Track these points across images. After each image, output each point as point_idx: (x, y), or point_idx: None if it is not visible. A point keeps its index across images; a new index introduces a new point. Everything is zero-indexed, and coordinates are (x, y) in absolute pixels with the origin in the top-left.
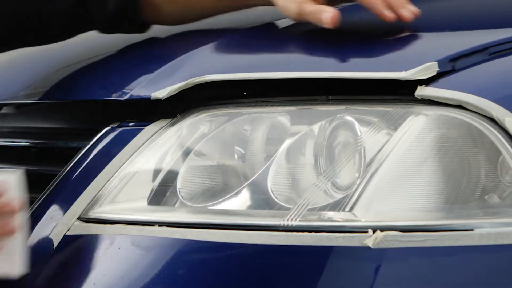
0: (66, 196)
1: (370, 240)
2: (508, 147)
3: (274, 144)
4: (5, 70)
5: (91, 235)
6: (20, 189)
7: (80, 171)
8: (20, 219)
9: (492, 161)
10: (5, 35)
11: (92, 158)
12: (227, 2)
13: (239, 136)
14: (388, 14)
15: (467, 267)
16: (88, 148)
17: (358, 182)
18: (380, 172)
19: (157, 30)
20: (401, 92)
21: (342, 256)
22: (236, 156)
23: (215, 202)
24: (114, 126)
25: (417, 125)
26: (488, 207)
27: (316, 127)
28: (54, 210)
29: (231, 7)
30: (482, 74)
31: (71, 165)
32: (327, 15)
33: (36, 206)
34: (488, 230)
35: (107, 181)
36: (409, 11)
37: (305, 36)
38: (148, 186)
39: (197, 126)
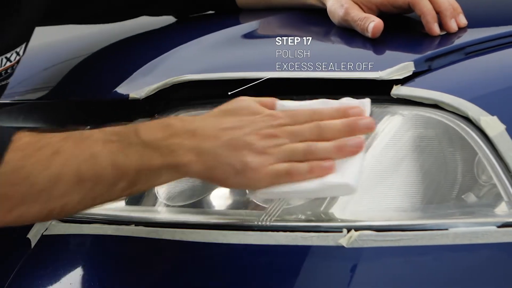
0: None
1: (345, 240)
2: (483, 146)
3: None
4: None
5: (68, 235)
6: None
7: None
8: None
9: (468, 160)
10: (56, 9)
11: None
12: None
13: None
14: (435, 29)
15: (442, 266)
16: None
17: None
18: None
19: (136, 28)
20: (377, 92)
21: (317, 256)
22: None
23: (192, 202)
24: (92, 125)
25: (393, 125)
26: (465, 207)
27: None
28: None
29: (288, 3)
30: (458, 74)
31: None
32: (372, 25)
33: None
34: (462, 229)
35: None
36: (456, 24)
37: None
38: None
39: None
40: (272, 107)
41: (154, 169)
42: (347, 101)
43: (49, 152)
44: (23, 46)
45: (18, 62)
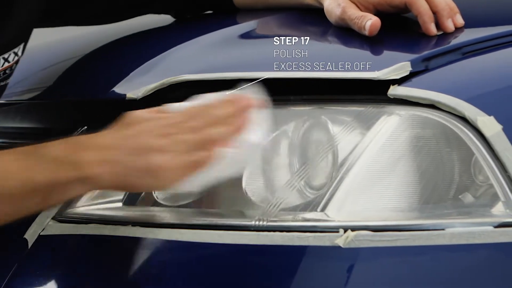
0: None
1: (341, 240)
2: (480, 146)
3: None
4: None
5: (65, 235)
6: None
7: None
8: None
9: (465, 160)
10: (55, 10)
11: None
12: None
13: None
14: (432, 29)
15: (439, 266)
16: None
17: (330, 182)
18: (353, 172)
19: (133, 28)
20: (374, 92)
21: (314, 256)
22: None
23: (189, 202)
24: (90, 125)
25: (390, 125)
26: (462, 207)
27: (290, 127)
28: None
29: (286, 3)
30: (455, 74)
31: None
32: (369, 23)
33: None
34: (459, 229)
35: None
36: (452, 24)
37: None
38: None
39: None
40: (162, 112)
41: (65, 184)
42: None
43: None
44: (21, 46)
45: (17, 62)
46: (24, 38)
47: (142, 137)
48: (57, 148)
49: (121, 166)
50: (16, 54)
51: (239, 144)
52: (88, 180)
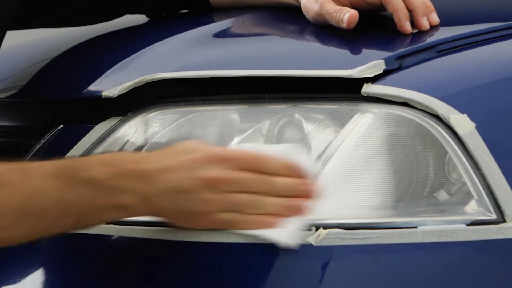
0: None
1: (313, 238)
2: (454, 145)
3: (224, 142)
4: None
5: None
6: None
7: None
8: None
9: (439, 158)
10: (31, 13)
11: (42, 157)
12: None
13: (190, 134)
14: (407, 27)
15: (410, 264)
16: (39, 147)
17: None
18: (326, 170)
19: (111, 27)
20: (348, 90)
21: (286, 254)
22: None
23: None
24: (65, 124)
25: (364, 123)
26: (436, 205)
27: (265, 125)
28: None
29: (264, 3)
30: (429, 72)
31: None
32: (347, 15)
33: None
34: (431, 227)
35: None
36: (428, 22)
37: (256, 35)
38: None
39: (148, 124)
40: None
41: (98, 209)
42: (289, 150)
43: None
44: None
45: None
46: None
47: (188, 175)
48: (94, 170)
49: (156, 201)
50: None
51: (274, 234)
52: (126, 208)
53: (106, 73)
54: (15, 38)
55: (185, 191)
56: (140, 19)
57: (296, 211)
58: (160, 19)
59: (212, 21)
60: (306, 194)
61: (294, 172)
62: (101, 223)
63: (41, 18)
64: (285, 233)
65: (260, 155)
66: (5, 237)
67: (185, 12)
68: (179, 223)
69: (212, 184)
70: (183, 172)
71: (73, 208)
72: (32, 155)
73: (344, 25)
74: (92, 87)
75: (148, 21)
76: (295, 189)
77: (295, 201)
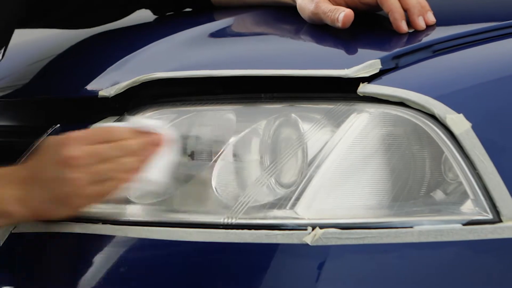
0: None
1: (309, 238)
2: (450, 144)
3: (221, 142)
4: None
5: (36, 233)
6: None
7: None
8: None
9: (436, 158)
10: (37, 13)
11: None
12: None
13: (186, 133)
14: (403, 27)
15: (406, 264)
16: (36, 147)
17: (300, 179)
18: (323, 170)
19: (107, 26)
20: (345, 90)
21: (282, 254)
22: (182, 154)
23: (160, 200)
24: (62, 123)
25: (360, 123)
26: (433, 204)
27: (261, 125)
28: None
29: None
30: (425, 71)
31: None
32: (342, 14)
33: None
34: (427, 227)
35: None
36: (424, 22)
37: (252, 35)
38: None
39: None
40: (78, 137)
41: None
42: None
43: None
44: (2, 50)
45: None
46: (5, 42)
47: (53, 168)
48: None
49: (33, 200)
50: None
51: (142, 180)
52: (6, 215)
53: (102, 73)
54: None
55: (51, 178)
56: (137, 19)
57: (149, 160)
58: (158, 18)
59: (208, 21)
60: (155, 145)
61: (140, 134)
62: None
63: (43, 18)
64: (154, 173)
65: (109, 127)
66: None
67: (182, 12)
68: (57, 214)
69: (72, 162)
70: (46, 163)
71: None
72: (28, 155)
73: (339, 24)
74: (89, 87)
75: (145, 21)
76: (143, 144)
77: (148, 151)
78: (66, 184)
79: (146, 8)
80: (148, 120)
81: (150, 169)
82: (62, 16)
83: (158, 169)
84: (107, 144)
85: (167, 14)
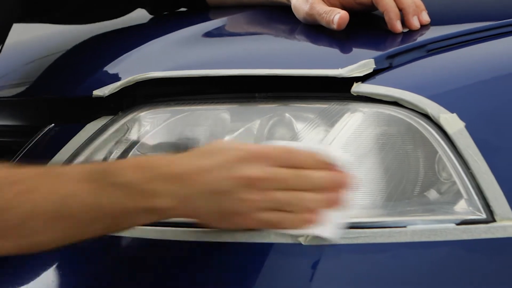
0: None
1: (302, 237)
2: (443, 144)
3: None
4: None
5: None
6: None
7: None
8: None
9: (429, 158)
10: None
11: (34, 156)
12: None
13: (181, 133)
14: (397, 26)
15: (400, 263)
16: (30, 146)
17: None
18: None
19: (103, 26)
20: (338, 89)
21: (276, 253)
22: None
23: None
24: (56, 123)
25: (354, 122)
26: (427, 204)
27: (255, 124)
28: None
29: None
30: (419, 71)
31: (13, 163)
32: (338, 16)
33: None
34: (421, 227)
35: None
36: (418, 22)
37: (246, 34)
38: None
39: (140, 123)
40: (252, 150)
41: (132, 213)
42: (324, 149)
43: (23, 188)
44: (0, 48)
45: None
46: (2, 38)
47: (223, 176)
48: (128, 173)
49: (194, 204)
50: None
51: (320, 226)
52: (159, 212)
53: (96, 73)
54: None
55: (223, 191)
56: (131, 19)
57: (335, 204)
58: (153, 18)
59: (202, 21)
60: (342, 187)
61: (327, 166)
62: (133, 226)
63: (41, 15)
64: (327, 227)
65: (294, 150)
66: (38, 241)
67: (177, 12)
68: (216, 225)
69: (250, 183)
70: (219, 172)
71: (106, 213)
72: (22, 155)
73: (334, 26)
74: (83, 87)
75: (139, 20)
76: (331, 182)
77: (334, 194)
78: (238, 202)
79: (143, 7)
80: (337, 151)
81: (331, 215)
82: (60, 14)
83: (336, 222)
84: (293, 170)
85: (162, 14)
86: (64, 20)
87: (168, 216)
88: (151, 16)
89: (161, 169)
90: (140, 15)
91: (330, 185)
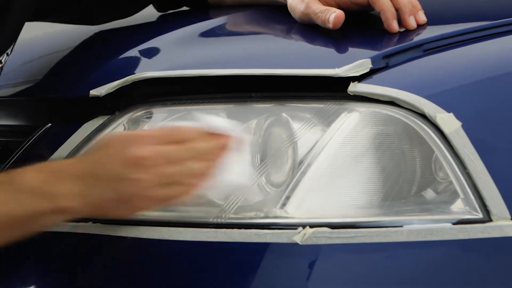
0: None
1: (299, 237)
2: (440, 143)
3: None
4: None
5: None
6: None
7: None
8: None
9: (426, 157)
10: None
11: (31, 155)
12: None
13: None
14: (394, 26)
15: (396, 263)
16: (28, 146)
17: (290, 179)
18: (313, 169)
19: (101, 26)
20: (335, 89)
21: (272, 253)
22: None
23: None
24: (53, 123)
25: (350, 122)
26: (423, 203)
27: (252, 124)
28: None
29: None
30: (416, 71)
31: (10, 163)
32: (333, 15)
33: None
34: (417, 226)
35: None
36: (415, 22)
37: (243, 34)
38: None
39: (136, 123)
40: (141, 135)
41: (40, 215)
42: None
43: None
44: (12, 46)
45: (5, 62)
46: (16, 38)
47: (118, 167)
48: (31, 178)
49: (94, 197)
50: (8, 54)
51: (216, 183)
52: (63, 211)
53: (94, 72)
54: None
55: (117, 178)
56: (129, 19)
57: (218, 167)
58: (149, 18)
59: (199, 20)
60: (223, 151)
61: (211, 135)
62: (45, 228)
63: (55, 15)
64: (216, 189)
65: (178, 127)
66: None
67: (174, 12)
68: (119, 213)
69: (138, 163)
70: (110, 161)
71: (14, 220)
72: (20, 154)
73: (330, 25)
74: (80, 86)
75: (137, 21)
76: (213, 148)
77: (217, 155)
78: (131, 184)
79: (152, 3)
80: (219, 120)
81: (224, 173)
82: (73, 13)
83: (232, 173)
84: (176, 145)
85: (161, 13)
86: (76, 20)
87: (76, 215)
88: (148, 16)
89: (61, 171)
90: (139, 15)
91: (212, 150)
